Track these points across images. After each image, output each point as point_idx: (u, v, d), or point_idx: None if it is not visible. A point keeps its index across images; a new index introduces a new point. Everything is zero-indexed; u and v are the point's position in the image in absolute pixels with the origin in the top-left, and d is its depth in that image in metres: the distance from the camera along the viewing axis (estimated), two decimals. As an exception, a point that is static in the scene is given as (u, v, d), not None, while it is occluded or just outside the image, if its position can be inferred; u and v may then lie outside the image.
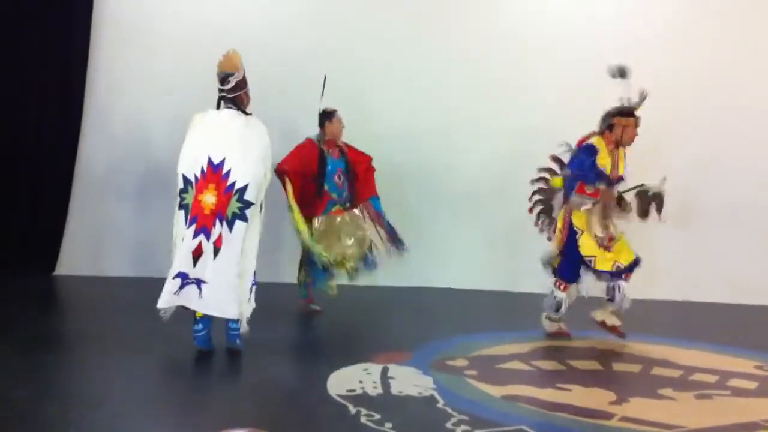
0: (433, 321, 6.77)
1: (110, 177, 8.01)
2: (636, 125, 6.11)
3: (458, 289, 7.95)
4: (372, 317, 6.85)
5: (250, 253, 5.15)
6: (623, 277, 6.08)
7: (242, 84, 5.28)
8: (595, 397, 4.86)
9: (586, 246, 6.12)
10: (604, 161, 6.09)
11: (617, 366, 5.63)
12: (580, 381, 5.19)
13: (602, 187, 6.11)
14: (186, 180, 5.16)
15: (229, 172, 5.04)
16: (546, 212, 6.48)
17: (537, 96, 8.02)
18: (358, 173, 6.83)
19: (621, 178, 6.22)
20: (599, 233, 6.14)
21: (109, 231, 8.03)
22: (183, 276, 5.03)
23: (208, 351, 5.23)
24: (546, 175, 6.47)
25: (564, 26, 8.23)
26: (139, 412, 4.27)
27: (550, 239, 6.40)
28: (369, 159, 6.93)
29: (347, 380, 4.84)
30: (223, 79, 5.28)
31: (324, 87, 6.63)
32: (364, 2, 8.30)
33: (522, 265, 7.51)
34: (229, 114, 5.23)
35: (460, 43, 8.17)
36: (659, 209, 6.17)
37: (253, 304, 5.28)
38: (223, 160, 5.06)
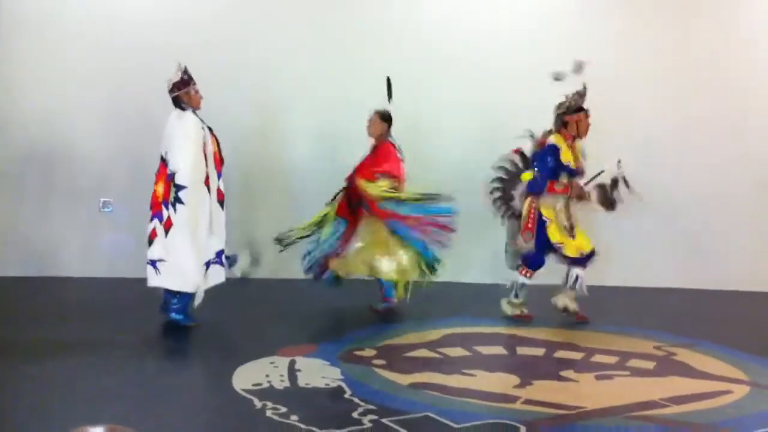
0: (341, 312, 6.76)
1: (11, 175, 7.75)
2: (587, 116, 6.58)
3: (366, 280, 7.90)
4: (279, 310, 6.78)
5: (198, 233, 5.75)
6: (583, 265, 6.55)
7: (179, 85, 5.87)
8: (500, 382, 4.96)
9: (555, 234, 6.50)
10: (566, 156, 6.52)
11: (521, 350, 5.72)
12: (485, 366, 5.27)
13: (571, 181, 6.55)
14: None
15: (167, 162, 5.74)
16: (505, 199, 6.82)
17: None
18: None
19: (582, 169, 6.64)
20: (564, 222, 6.54)
21: (9, 230, 7.77)
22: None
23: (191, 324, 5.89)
24: (508, 165, 6.85)
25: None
26: (34, 411, 4.16)
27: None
28: None
29: (253, 374, 4.81)
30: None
31: (390, 89, 6.70)
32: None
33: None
34: (174, 112, 5.88)
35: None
36: (626, 186, 6.58)
37: (212, 280, 5.89)
38: (166, 153, 5.77)
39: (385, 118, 6.74)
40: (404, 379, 4.86)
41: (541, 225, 6.52)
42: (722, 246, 8.49)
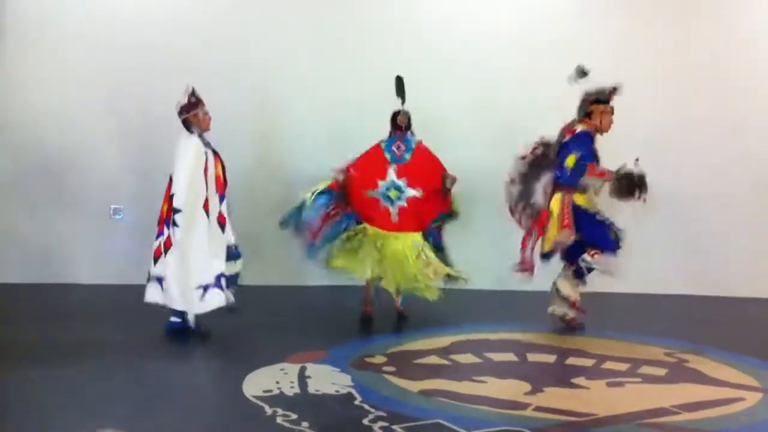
0: (351, 319, 6.69)
1: (10, 175, 7.71)
2: (612, 112, 6.47)
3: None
4: (288, 317, 6.77)
5: (192, 254, 5.71)
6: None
7: (187, 108, 5.89)
8: (511, 388, 4.95)
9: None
10: (596, 145, 6.46)
11: (532, 357, 5.71)
12: (496, 373, 5.26)
13: (607, 168, 6.41)
14: None
15: (170, 184, 5.82)
16: (524, 194, 6.53)
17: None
18: None
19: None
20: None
21: (9, 230, 7.72)
22: (150, 274, 5.87)
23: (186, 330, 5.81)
24: (532, 155, 6.56)
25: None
26: (38, 412, 4.17)
27: (521, 223, 6.56)
28: None
29: (264, 381, 4.79)
30: None
31: (402, 88, 6.70)
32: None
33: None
34: (182, 134, 5.89)
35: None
36: (643, 191, 6.40)
37: (209, 304, 5.74)
38: (172, 173, 5.81)
39: (391, 118, 6.73)
40: (414, 386, 4.84)
41: (583, 214, 6.35)
42: (722, 246, 8.48)
